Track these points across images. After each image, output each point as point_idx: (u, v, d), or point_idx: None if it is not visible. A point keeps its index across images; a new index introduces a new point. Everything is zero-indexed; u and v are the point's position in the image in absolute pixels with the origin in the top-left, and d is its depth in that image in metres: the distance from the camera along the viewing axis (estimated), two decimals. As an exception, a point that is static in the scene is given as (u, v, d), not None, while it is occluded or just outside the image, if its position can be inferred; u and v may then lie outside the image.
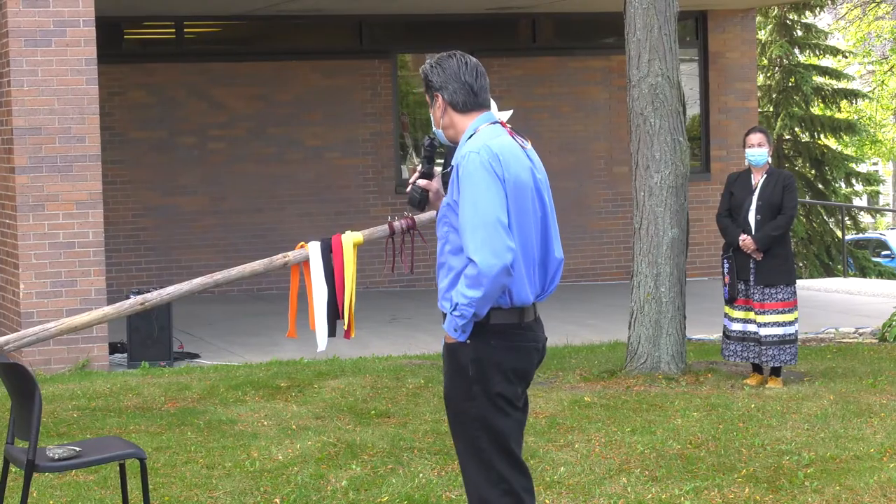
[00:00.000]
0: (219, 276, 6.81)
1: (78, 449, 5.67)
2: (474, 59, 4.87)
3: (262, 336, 12.58)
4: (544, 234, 4.82)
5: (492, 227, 4.57)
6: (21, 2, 10.66)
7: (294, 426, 8.25)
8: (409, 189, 5.01)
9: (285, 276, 6.46)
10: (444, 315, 4.72)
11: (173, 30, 16.08)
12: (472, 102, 4.81)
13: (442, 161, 5.37)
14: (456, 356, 4.72)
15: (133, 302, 6.69)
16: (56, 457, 5.58)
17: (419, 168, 5.02)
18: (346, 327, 6.50)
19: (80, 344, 10.79)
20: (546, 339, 4.90)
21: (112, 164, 15.00)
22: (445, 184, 4.98)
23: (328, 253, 6.45)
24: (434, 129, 4.95)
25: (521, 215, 4.69)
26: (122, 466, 5.96)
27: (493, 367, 4.71)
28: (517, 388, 4.77)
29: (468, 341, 4.68)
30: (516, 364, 4.75)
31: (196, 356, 11.53)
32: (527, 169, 4.74)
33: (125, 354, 11.34)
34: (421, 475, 7.03)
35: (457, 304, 4.63)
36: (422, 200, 4.98)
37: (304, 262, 6.56)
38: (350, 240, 6.44)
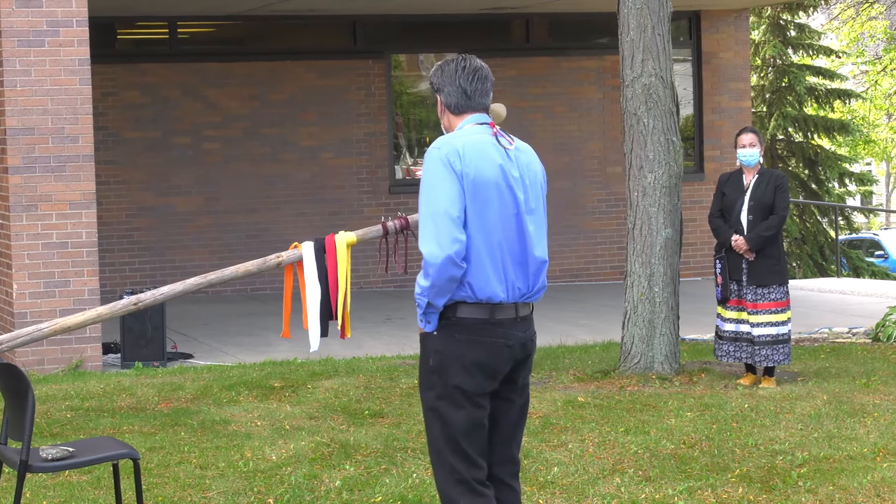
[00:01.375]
0: (213, 276, 6.80)
1: (71, 449, 5.67)
2: (477, 63, 5.00)
3: (256, 336, 12.58)
4: (520, 232, 4.89)
5: (439, 218, 4.73)
6: (14, 2, 10.65)
7: (288, 426, 8.25)
8: None
9: (279, 276, 6.47)
10: None
11: (167, 30, 16.07)
12: (464, 105, 4.95)
13: None
14: (423, 345, 4.93)
15: (127, 302, 6.68)
16: (49, 457, 5.57)
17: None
18: (339, 327, 6.50)
19: (74, 344, 10.78)
20: (528, 338, 4.96)
21: (106, 165, 14.99)
22: None
23: (322, 253, 6.45)
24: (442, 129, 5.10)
25: (484, 210, 4.79)
26: (115, 467, 5.96)
27: (454, 359, 4.83)
28: (479, 382, 4.84)
29: (434, 332, 4.85)
30: (479, 358, 4.84)
31: (190, 356, 11.52)
32: (495, 166, 4.83)
33: (119, 355, 11.33)
34: (414, 475, 7.03)
35: (416, 293, 4.84)
36: None
37: (298, 263, 6.55)
38: (344, 240, 6.44)
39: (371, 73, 16.62)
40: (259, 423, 8.37)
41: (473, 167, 4.77)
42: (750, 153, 9.44)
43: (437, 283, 4.74)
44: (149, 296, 6.64)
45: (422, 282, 4.77)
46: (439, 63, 5.03)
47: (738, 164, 9.58)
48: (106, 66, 14.98)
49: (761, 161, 9.54)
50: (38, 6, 10.68)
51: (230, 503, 6.67)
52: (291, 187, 16.29)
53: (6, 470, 6.20)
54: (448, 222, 4.72)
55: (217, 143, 16.08)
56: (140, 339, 11.10)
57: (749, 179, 9.48)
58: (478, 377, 4.84)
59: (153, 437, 8.03)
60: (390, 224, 6.47)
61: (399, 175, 16.81)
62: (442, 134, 4.98)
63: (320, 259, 6.44)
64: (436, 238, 4.72)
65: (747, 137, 9.48)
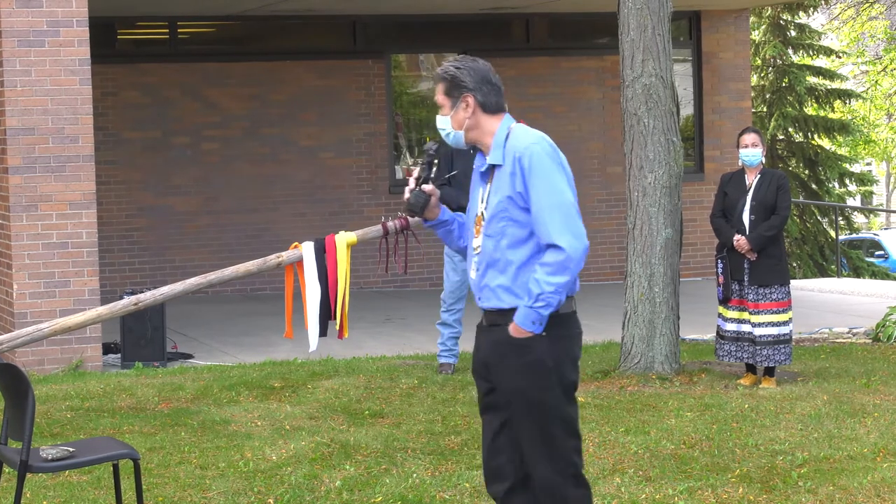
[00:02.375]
0: (212, 276, 6.79)
1: (71, 449, 5.66)
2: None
3: (256, 336, 12.57)
4: None
5: (568, 209, 4.72)
6: (14, 2, 10.65)
7: (288, 426, 8.25)
8: (409, 194, 5.02)
9: (279, 276, 6.46)
10: (497, 311, 4.83)
11: (167, 30, 16.07)
12: (500, 104, 4.93)
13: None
14: (530, 350, 4.78)
15: (127, 302, 6.68)
16: (49, 457, 5.57)
17: (417, 172, 5.02)
18: (337, 327, 6.50)
19: (74, 344, 10.78)
20: None
21: (106, 165, 14.98)
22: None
23: (322, 253, 6.45)
24: (448, 130, 4.96)
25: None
26: (115, 467, 5.95)
27: (567, 356, 4.84)
28: (578, 375, 4.95)
29: (543, 333, 4.75)
30: (579, 352, 4.92)
31: (190, 356, 11.52)
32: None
33: (119, 355, 11.33)
34: (415, 475, 7.03)
35: (539, 294, 4.68)
36: (424, 205, 5.01)
37: (298, 263, 6.55)
38: (344, 240, 6.43)
39: (371, 74, 16.61)
40: (259, 424, 8.37)
41: (566, 162, 4.86)
42: (752, 153, 9.44)
43: (573, 277, 4.70)
44: (149, 296, 6.63)
45: (555, 279, 4.67)
46: (455, 63, 4.92)
47: (740, 164, 9.58)
48: (106, 66, 14.98)
49: (763, 161, 9.54)
50: (38, 6, 10.68)
51: (230, 503, 6.67)
52: (291, 187, 16.28)
53: (6, 470, 6.20)
54: (575, 213, 4.74)
55: (217, 144, 16.08)
56: (140, 340, 11.10)
57: (751, 179, 9.48)
58: (578, 369, 4.93)
59: (153, 437, 8.03)
60: (390, 224, 6.46)
61: (399, 175, 16.80)
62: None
63: (320, 259, 6.43)
64: (571, 230, 4.68)
65: (749, 137, 9.47)
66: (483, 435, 5.07)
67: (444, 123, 4.96)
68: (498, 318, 4.86)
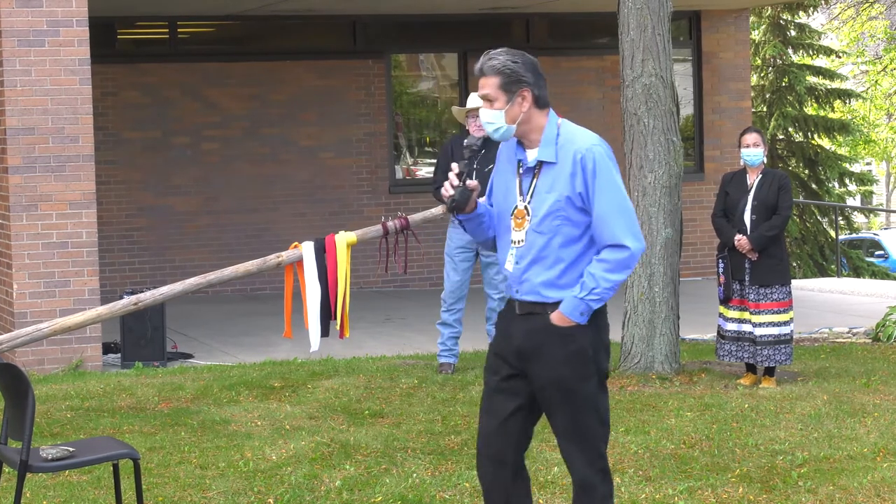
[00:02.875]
0: (212, 276, 6.79)
1: (71, 449, 5.66)
2: None
3: (256, 336, 12.57)
4: None
5: (632, 212, 4.90)
6: (14, 2, 10.65)
7: (288, 426, 8.25)
8: (452, 191, 4.95)
9: (279, 276, 6.46)
10: (536, 302, 4.89)
11: (167, 30, 16.06)
12: (548, 98, 4.98)
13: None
14: (574, 339, 4.88)
15: (126, 302, 6.68)
16: (49, 457, 5.57)
17: (458, 168, 4.96)
18: (338, 327, 6.50)
19: (74, 344, 10.78)
20: None
21: (105, 165, 14.98)
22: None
23: (322, 253, 6.45)
24: (499, 125, 4.90)
25: None
26: (115, 467, 5.95)
27: (603, 346, 4.98)
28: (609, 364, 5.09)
29: (588, 323, 4.88)
30: (609, 342, 5.05)
31: (190, 356, 11.52)
32: None
33: (119, 355, 11.33)
34: (415, 475, 7.03)
35: (594, 289, 4.83)
36: (468, 201, 4.97)
37: (298, 263, 6.55)
38: (344, 240, 6.43)
39: (371, 74, 16.61)
40: (259, 423, 8.37)
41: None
42: (754, 153, 9.44)
43: (629, 275, 4.96)
44: (148, 296, 6.63)
45: (614, 276, 4.83)
46: (515, 58, 4.88)
47: (741, 163, 9.58)
48: (106, 65, 14.97)
49: (765, 161, 9.54)
50: (38, 6, 10.68)
51: (230, 503, 6.67)
52: (291, 187, 16.28)
53: (6, 470, 6.20)
54: (634, 216, 4.91)
55: (217, 144, 16.08)
56: (140, 339, 11.10)
57: (753, 179, 9.48)
58: (609, 359, 5.07)
59: (153, 437, 8.03)
60: (390, 224, 6.47)
61: (399, 175, 16.80)
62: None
63: (320, 259, 6.43)
64: (634, 232, 4.86)
65: (751, 137, 9.47)
66: (487, 419, 5.04)
67: (496, 118, 4.90)
68: (536, 308, 4.93)
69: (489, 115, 4.91)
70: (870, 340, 11.80)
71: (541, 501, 6.59)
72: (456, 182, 4.94)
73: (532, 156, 4.95)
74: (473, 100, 9.95)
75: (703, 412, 8.47)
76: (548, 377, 4.91)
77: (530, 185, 4.93)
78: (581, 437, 4.93)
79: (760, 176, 9.47)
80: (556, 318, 4.86)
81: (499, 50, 4.94)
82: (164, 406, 9.00)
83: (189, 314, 13.78)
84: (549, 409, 4.96)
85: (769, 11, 26.25)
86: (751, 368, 9.59)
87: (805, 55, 27.97)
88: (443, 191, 4.97)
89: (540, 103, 4.90)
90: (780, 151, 26.56)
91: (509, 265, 4.97)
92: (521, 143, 4.98)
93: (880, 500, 6.55)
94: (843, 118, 30.60)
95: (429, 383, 9.57)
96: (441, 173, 10.34)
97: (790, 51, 27.13)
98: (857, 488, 6.70)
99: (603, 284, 4.82)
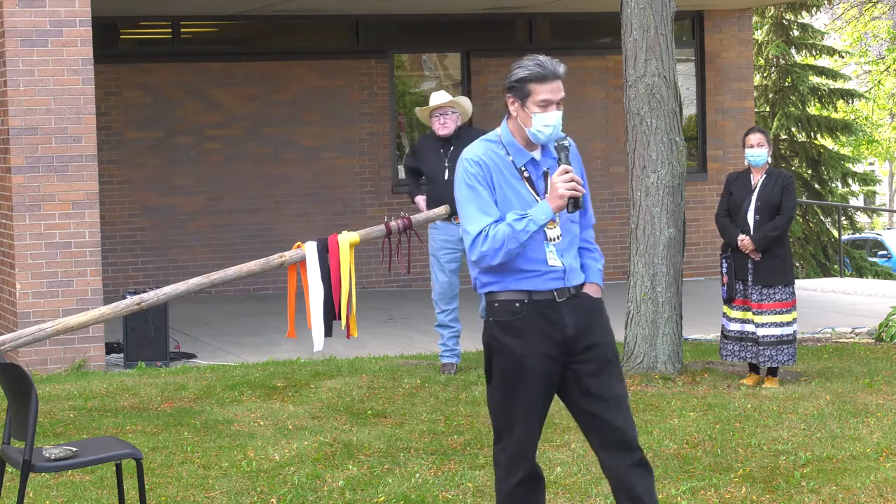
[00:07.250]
0: (215, 276, 6.80)
1: (74, 449, 5.67)
2: None
3: (259, 336, 12.58)
4: None
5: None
6: (17, 2, 10.66)
7: (290, 426, 8.25)
8: (570, 190, 4.97)
9: (282, 276, 6.48)
10: (580, 286, 5.12)
11: (169, 30, 16.07)
12: None
13: None
14: (603, 305, 5.20)
15: (129, 302, 6.68)
16: (52, 457, 5.57)
17: (565, 165, 5.03)
18: (343, 328, 6.50)
19: (77, 344, 10.78)
20: None
21: (108, 164, 14.99)
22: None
23: (325, 253, 6.45)
24: (560, 127, 5.14)
25: None
26: (118, 467, 5.96)
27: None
28: None
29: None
30: None
31: (192, 356, 11.52)
32: None
33: (122, 354, 11.33)
34: (417, 475, 7.03)
35: (600, 256, 5.31)
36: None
37: (301, 263, 6.55)
38: (346, 240, 6.44)
39: (374, 73, 16.61)
40: (262, 423, 8.37)
41: None
42: (758, 153, 9.43)
43: None
44: (151, 296, 6.64)
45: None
46: (557, 62, 5.30)
47: (745, 163, 9.58)
48: (109, 65, 14.98)
49: (769, 161, 9.53)
50: (41, 6, 10.69)
51: (233, 503, 6.67)
52: (294, 187, 16.28)
53: (9, 470, 6.20)
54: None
55: (219, 143, 16.08)
56: (143, 339, 11.11)
57: (757, 179, 9.47)
58: None
59: (156, 436, 8.03)
60: (393, 224, 6.48)
61: (402, 175, 16.80)
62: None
63: (323, 259, 6.44)
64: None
65: (755, 137, 9.47)
66: (529, 416, 5.07)
67: (560, 120, 5.16)
68: (579, 289, 5.14)
69: (556, 117, 5.14)
70: (873, 340, 11.80)
71: (543, 501, 6.58)
72: (570, 182, 4.97)
73: (537, 155, 5.12)
74: (436, 98, 10.09)
75: (706, 412, 8.46)
76: (607, 343, 5.11)
77: (547, 183, 5.04)
78: (626, 399, 5.14)
79: (764, 176, 9.47)
80: (595, 290, 5.16)
81: (538, 56, 5.37)
82: (166, 406, 9.00)
83: (192, 314, 13.78)
84: (603, 379, 5.06)
85: (772, 11, 26.23)
86: (754, 368, 9.58)
87: (808, 55, 27.95)
88: (572, 189, 4.97)
89: None
90: (783, 151, 26.54)
91: (553, 261, 5.05)
92: (509, 148, 5.07)
93: (883, 501, 6.55)
94: (846, 118, 30.57)
95: (431, 383, 9.57)
96: (410, 174, 10.37)
97: (793, 51, 27.11)
98: (861, 488, 6.70)
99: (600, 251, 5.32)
